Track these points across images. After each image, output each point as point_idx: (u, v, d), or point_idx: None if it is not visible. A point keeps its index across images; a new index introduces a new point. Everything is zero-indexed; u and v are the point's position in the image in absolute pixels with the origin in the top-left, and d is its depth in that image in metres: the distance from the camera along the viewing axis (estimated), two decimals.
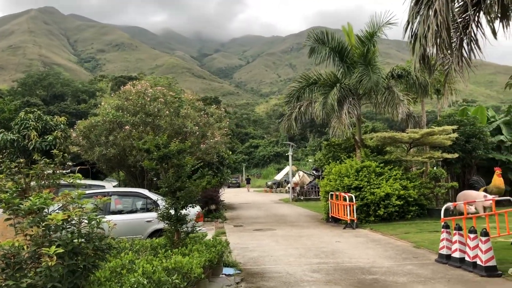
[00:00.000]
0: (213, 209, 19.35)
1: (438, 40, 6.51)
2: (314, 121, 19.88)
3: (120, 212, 10.24)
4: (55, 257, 4.07)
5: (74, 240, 4.51)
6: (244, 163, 77.55)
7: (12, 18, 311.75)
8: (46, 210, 4.66)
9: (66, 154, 18.90)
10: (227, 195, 40.97)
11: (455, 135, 18.35)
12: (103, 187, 12.76)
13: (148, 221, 9.98)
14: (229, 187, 64.71)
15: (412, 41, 8.39)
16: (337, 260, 10.05)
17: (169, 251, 7.39)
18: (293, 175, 40.33)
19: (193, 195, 8.19)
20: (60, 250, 4.10)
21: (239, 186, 66.26)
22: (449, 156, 18.05)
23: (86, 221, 4.69)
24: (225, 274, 8.48)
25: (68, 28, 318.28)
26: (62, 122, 18.68)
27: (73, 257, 4.44)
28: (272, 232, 15.23)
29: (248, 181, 58.14)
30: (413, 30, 8.50)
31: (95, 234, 4.67)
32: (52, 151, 7.39)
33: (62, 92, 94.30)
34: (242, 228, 16.63)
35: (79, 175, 5.31)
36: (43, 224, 4.33)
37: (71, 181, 5.28)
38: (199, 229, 8.53)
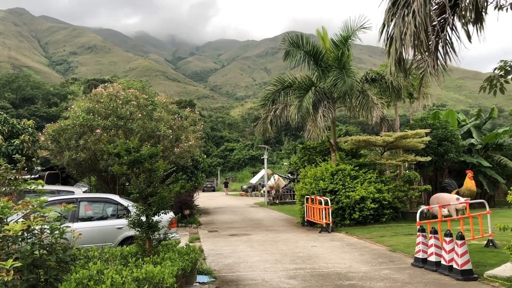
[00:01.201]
0: (187, 214, 18.99)
1: (416, 41, 6.43)
2: (289, 124, 19.79)
3: (89, 219, 9.84)
4: (12, 271, 3.76)
5: (35, 252, 4.21)
6: (219, 166, 77.04)
7: None
8: (4, 219, 4.35)
9: (34, 159, 18.36)
10: (202, 199, 40.58)
11: (428, 138, 18.56)
12: (73, 192, 12.29)
13: (118, 228, 9.62)
14: (204, 191, 64.26)
15: (388, 44, 8.33)
16: (313, 265, 9.90)
17: (140, 259, 7.09)
18: (269, 179, 40.21)
19: (165, 201, 7.89)
20: (18, 264, 3.79)
21: (214, 190, 65.75)
22: (422, 159, 18.24)
23: (48, 231, 4.38)
24: (199, 283, 8.20)
25: (38, 30, 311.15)
26: (30, 126, 18.10)
27: (33, 271, 4.14)
28: (248, 237, 15.01)
29: (226, 184, 57.77)
30: (389, 33, 8.44)
31: (58, 245, 4.37)
32: (13, 156, 6.97)
33: (32, 95, 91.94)
34: (217, 233, 16.35)
35: (41, 181, 4.97)
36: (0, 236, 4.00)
37: (32, 187, 4.92)
38: (172, 236, 8.24)
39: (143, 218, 7.70)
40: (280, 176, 40.10)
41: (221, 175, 74.69)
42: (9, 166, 5.82)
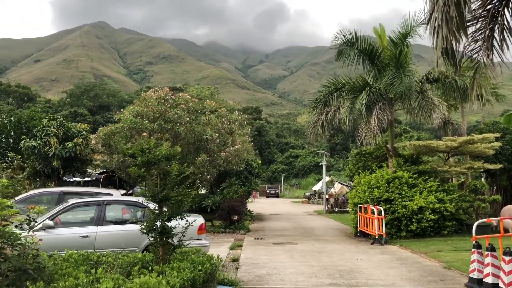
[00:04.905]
0: (236, 220, 18.47)
1: (446, 16, 5.39)
2: (356, 130, 18.72)
3: (115, 222, 9.58)
4: None
5: None
6: (284, 173, 76.38)
7: (67, 33, 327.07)
8: None
9: (89, 161, 18.66)
10: (262, 205, 40.26)
11: (499, 143, 16.67)
12: (111, 195, 12.20)
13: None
14: (267, 197, 64.12)
15: (433, 33, 7.27)
16: (351, 281, 8.93)
17: (146, 269, 6.60)
18: (330, 186, 38.96)
19: (182, 205, 7.38)
20: None
21: (278, 196, 65.28)
22: (491, 166, 16.40)
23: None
24: None
25: (118, 41, 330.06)
26: (85, 129, 18.53)
27: None
28: (292, 246, 14.18)
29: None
30: (435, 21, 7.39)
31: (16, 251, 3.94)
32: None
33: (108, 103, 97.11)
34: (262, 241, 15.67)
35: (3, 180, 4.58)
36: None
37: None
38: (188, 243, 7.65)
39: (158, 223, 7.27)
40: (342, 184, 38.61)
41: (285, 182, 73.95)
42: (2, 165, 5.56)
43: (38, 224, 8.57)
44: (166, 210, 7.38)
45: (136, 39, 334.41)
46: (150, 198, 7.28)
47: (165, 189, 7.29)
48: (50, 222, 8.70)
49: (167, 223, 7.29)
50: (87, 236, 8.93)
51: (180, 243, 7.38)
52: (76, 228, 9.07)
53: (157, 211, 7.39)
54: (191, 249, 8.12)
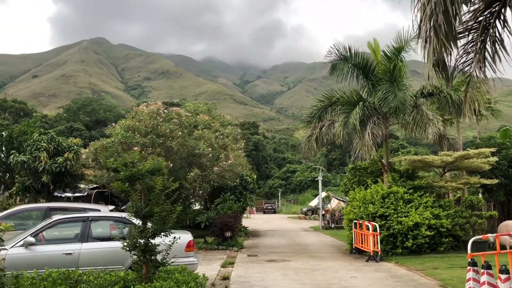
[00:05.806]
0: (229, 237, 18.11)
1: (435, 25, 5.23)
2: (351, 145, 18.54)
3: (101, 239, 9.29)
4: None
5: None
6: (281, 188, 75.98)
7: (65, 49, 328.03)
8: None
9: (81, 176, 18.36)
10: (258, 221, 39.91)
11: (495, 158, 16.47)
12: (99, 211, 11.91)
13: None
14: (264, 212, 63.83)
15: (423, 43, 7.13)
16: None
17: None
18: (327, 202, 38.67)
19: (167, 221, 7.13)
20: None
21: (275, 212, 64.90)
22: (488, 181, 16.18)
23: None
24: None
25: (116, 57, 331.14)
26: (76, 144, 18.30)
27: None
28: (285, 263, 13.86)
29: None
30: (427, 31, 7.24)
31: None
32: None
33: (105, 118, 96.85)
34: (255, 258, 15.33)
35: None
36: None
37: None
38: (172, 261, 7.37)
39: (141, 240, 7.00)
40: (339, 199, 38.32)
41: (282, 197, 73.51)
42: None
43: (19, 241, 8.35)
44: (150, 226, 7.14)
45: (134, 55, 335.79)
46: (134, 214, 7.05)
47: (149, 205, 7.06)
48: (32, 239, 8.41)
49: (151, 240, 7.04)
50: (70, 254, 8.63)
51: (164, 261, 7.11)
52: (59, 245, 8.76)
53: (140, 228, 7.15)
54: (176, 267, 7.83)
